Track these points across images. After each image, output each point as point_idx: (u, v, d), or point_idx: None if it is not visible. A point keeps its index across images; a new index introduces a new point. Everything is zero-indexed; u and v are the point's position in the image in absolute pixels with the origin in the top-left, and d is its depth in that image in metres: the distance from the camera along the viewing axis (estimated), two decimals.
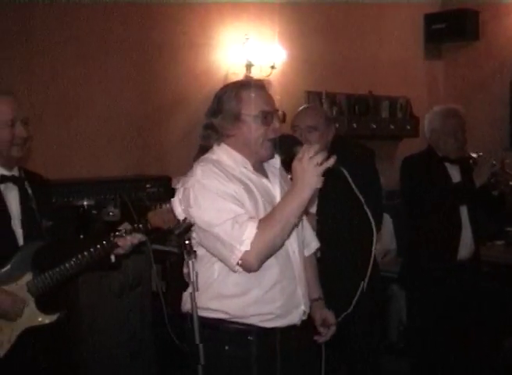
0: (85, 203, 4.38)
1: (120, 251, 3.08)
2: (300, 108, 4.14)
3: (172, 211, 2.94)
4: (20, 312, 2.98)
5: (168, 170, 5.53)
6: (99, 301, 4.33)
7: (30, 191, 3.14)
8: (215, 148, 2.80)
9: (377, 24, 7.38)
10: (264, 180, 2.80)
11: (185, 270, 2.71)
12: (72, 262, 3.02)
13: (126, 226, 3.08)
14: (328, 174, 2.53)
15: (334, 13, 6.89)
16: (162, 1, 5.78)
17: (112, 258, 3.12)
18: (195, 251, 2.53)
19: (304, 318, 2.81)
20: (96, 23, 5.50)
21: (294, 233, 2.80)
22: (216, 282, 2.69)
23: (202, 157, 2.79)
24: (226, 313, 2.68)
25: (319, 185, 2.50)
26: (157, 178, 4.71)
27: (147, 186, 4.66)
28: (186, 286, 2.73)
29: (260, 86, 2.78)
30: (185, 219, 2.49)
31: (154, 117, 5.81)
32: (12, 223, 3.05)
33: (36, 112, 5.20)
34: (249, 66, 6.06)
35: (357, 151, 4.06)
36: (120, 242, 3.04)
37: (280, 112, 2.79)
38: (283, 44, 6.23)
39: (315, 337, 2.91)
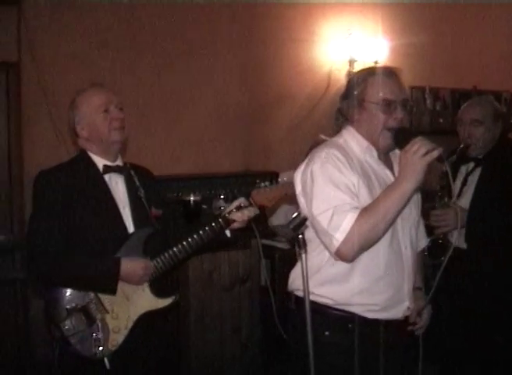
0: (191, 198, 4.45)
1: (236, 225, 3.14)
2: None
3: (274, 190, 3.10)
4: (150, 277, 3.06)
5: (272, 165, 5.59)
6: (208, 295, 4.41)
7: (136, 181, 3.21)
8: (343, 131, 2.83)
9: (481, 17, 7.21)
10: (388, 172, 2.80)
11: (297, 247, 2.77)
12: (184, 244, 3.09)
13: (242, 200, 3.16)
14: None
15: (437, 7, 6.76)
16: None
17: (228, 233, 3.18)
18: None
19: (408, 314, 2.81)
20: (203, 21, 5.61)
21: (408, 229, 2.80)
22: (324, 268, 2.71)
23: (330, 140, 2.84)
24: (331, 299, 2.71)
25: (421, 177, 2.48)
26: (265, 173, 4.73)
27: (256, 181, 4.67)
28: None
29: (389, 74, 2.76)
30: (299, 213, 2.50)
31: (259, 113, 5.87)
32: (122, 211, 3.11)
33: (143, 110, 5.36)
34: (352, 62, 6.03)
35: None
36: (236, 216, 3.11)
37: (410, 103, 2.79)
38: (386, 38, 6.18)
39: (409, 327, 2.87)
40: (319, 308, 2.67)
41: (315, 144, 5.23)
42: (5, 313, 5.09)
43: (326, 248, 2.64)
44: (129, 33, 5.38)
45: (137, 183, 3.20)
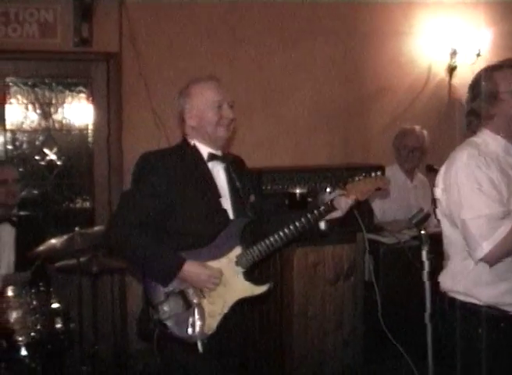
0: (298, 191, 4.40)
1: (337, 214, 3.14)
2: None
3: (368, 183, 3.12)
4: (215, 285, 3.06)
5: (371, 158, 5.54)
6: (312, 289, 4.35)
7: (233, 170, 3.26)
8: (479, 133, 2.87)
9: None
10: None
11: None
12: (280, 234, 3.11)
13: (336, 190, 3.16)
14: None
15: None
16: None
17: (322, 225, 3.19)
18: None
19: None
20: (303, 15, 5.60)
21: None
22: (474, 269, 2.75)
23: (467, 140, 2.87)
24: (482, 300, 2.74)
25: None
26: (370, 167, 4.62)
27: (362, 174, 4.57)
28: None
29: (511, 64, 2.85)
30: (421, 208, 2.49)
31: (358, 105, 5.82)
32: (223, 199, 3.17)
33: (241, 101, 5.33)
34: (453, 54, 5.88)
35: None
36: (336, 203, 3.11)
37: None
38: (489, 30, 5.98)
39: None
40: (471, 308, 2.75)
41: (401, 133, 5.14)
42: (104, 301, 5.19)
43: (469, 250, 2.69)
44: (229, 26, 5.42)
45: (234, 172, 3.26)
